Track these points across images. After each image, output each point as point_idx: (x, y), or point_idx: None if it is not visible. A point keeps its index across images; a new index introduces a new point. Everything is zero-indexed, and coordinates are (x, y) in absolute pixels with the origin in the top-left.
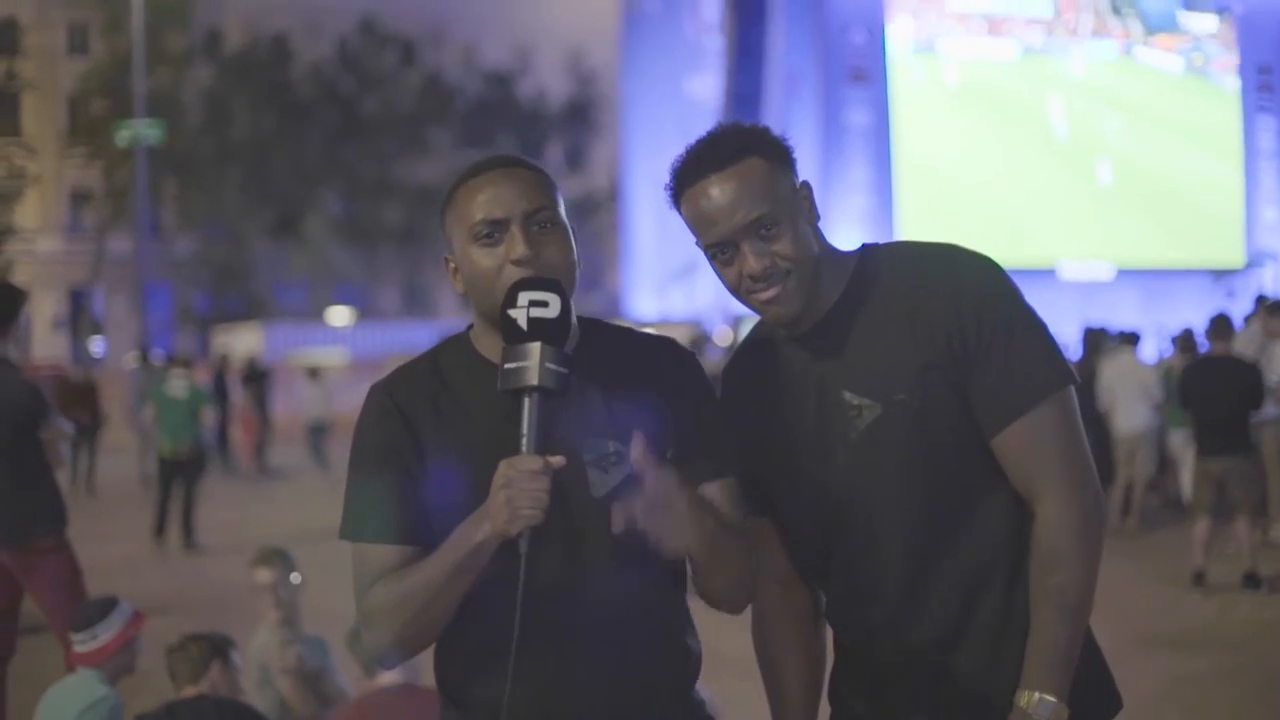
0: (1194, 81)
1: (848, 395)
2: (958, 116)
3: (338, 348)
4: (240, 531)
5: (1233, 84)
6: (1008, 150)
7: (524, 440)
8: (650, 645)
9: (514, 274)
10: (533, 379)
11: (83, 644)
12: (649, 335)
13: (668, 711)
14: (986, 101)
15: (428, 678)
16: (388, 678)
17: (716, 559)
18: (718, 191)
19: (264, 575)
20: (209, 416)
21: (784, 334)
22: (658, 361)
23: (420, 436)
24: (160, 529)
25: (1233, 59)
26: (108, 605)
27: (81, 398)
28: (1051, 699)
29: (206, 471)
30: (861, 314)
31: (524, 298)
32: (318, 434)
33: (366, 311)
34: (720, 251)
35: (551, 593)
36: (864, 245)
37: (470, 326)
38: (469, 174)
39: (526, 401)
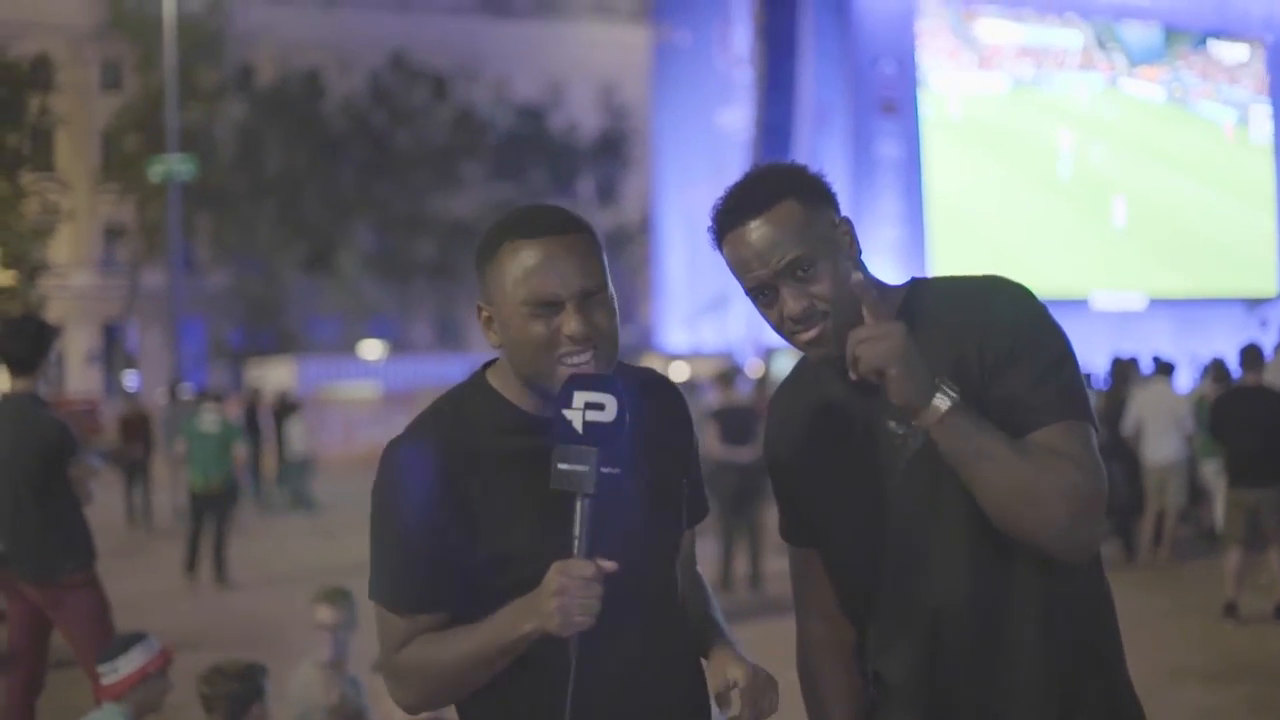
0: (1175, 110)
1: (892, 424)
2: (976, 149)
3: (370, 381)
4: (272, 566)
5: (1209, 110)
6: (1029, 182)
7: (575, 543)
8: (679, 677)
9: (567, 348)
10: (588, 487)
11: (105, 676)
12: (642, 371)
13: None
14: (995, 134)
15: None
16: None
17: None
18: (754, 237)
19: (326, 615)
20: (240, 451)
21: (832, 364)
22: (659, 400)
23: (455, 492)
24: (192, 564)
25: (1210, 88)
26: (132, 639)
27: (135, 430)
28: (954, 396)
29: (238, 506)
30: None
31: (580, 399)
32: (298, 472)
33: (399, 345)
34: (760, 294)
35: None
36: (914, 279)
37: (486, 366)
38: (519, 230)
39: (579, 505)
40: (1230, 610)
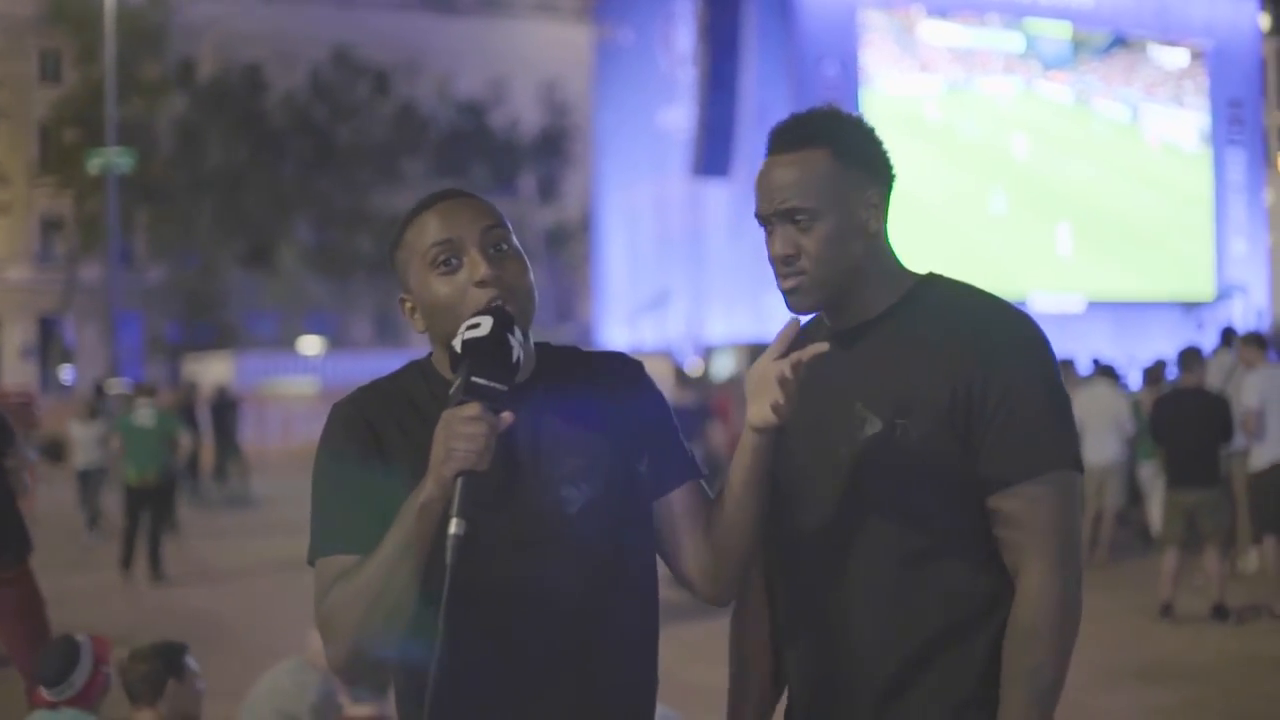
0: (1082, 110)
1: (859, 405)
2: (915, 151)
3: (309, 377)
4: (208, 562)
5: (1111, 110)
6: (967, 185)
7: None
8: (618, 667)
9: (479, 295)
10: (459, 395)
11: (62, 694)
12: (597, 352)
13: None
14: (933, 136)
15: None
16: (360, 711)
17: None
18: (775, 172)
19: None
20: (185, 440)
21: (829, 328)
22: (611, 375)
23: (387, 451)
24: (127, 560)
25: (1110, 90)
26: (72, 650)
27: None
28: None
29: (174, 500)
30: (899, 332)
31: (462, 325)
32: (91, 482)
33: (338, 341)
34: (763, 225)
35: (522, 610)
36: (930, 273)
37: (431, 354)
38: (416, 210)
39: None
40: (1166, 611)
